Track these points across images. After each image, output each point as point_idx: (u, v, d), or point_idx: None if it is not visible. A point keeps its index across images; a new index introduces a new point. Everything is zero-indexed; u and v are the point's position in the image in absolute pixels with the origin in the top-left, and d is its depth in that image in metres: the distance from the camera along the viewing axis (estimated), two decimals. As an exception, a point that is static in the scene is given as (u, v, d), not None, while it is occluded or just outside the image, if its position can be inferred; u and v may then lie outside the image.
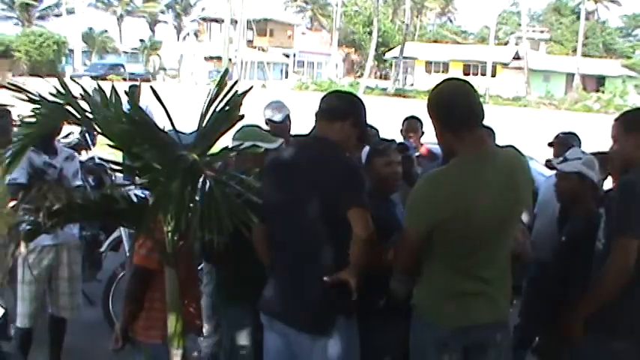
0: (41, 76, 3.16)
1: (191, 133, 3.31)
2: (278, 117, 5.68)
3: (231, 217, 2.93)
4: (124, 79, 37.48)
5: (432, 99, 3.19)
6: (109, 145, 3.17)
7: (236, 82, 3.35)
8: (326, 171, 3.38)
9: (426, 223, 3.08)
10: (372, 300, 3.67)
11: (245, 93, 3.29)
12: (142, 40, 66.86)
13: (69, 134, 11.26)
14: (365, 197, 3.37)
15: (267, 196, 3.35)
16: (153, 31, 74.51)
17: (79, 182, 5.20)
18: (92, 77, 30.99)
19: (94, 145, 10.82)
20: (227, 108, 3.23)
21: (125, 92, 3.23)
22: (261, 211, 3.23)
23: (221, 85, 3.23)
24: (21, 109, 3.41)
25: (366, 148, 4.34)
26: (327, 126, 3.52)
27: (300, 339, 3.44)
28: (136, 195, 3.72)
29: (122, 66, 51.32)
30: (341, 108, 3.54)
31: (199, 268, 4.76)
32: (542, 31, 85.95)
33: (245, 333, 4.26)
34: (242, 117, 3.31)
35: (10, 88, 3.17)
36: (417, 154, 6.10)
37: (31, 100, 3.18)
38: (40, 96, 3.17)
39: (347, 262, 3.30)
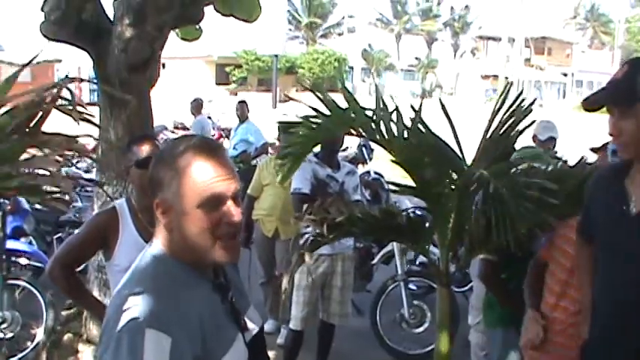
0: (320, 92, 3.32)
1: None
2: (542, 136, 6.03)
3: (524, 218, 2.90)
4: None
5: None
6: (393, 162, 3.24)
7: (520, 96, 3.31)
8: None
9: None
10: None
11: (528, 107, 3.27)
12: (417, 58, 67.97)
13: (346, 148, 11.77)
14: None
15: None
16: (430, 49, 75.30)
17: (358, 197, 5.34)
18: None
19: (370, 159, 11.19)
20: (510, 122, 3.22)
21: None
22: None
23: (505, 99, 3.24)
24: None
25: None
26: None
27: None
28: (413, 211, 3.78)
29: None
30: None
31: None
32: None
33: (511, 355, 4.14)
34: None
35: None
36: None
37: (316, 111, 3.36)
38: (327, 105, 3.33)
39: None
